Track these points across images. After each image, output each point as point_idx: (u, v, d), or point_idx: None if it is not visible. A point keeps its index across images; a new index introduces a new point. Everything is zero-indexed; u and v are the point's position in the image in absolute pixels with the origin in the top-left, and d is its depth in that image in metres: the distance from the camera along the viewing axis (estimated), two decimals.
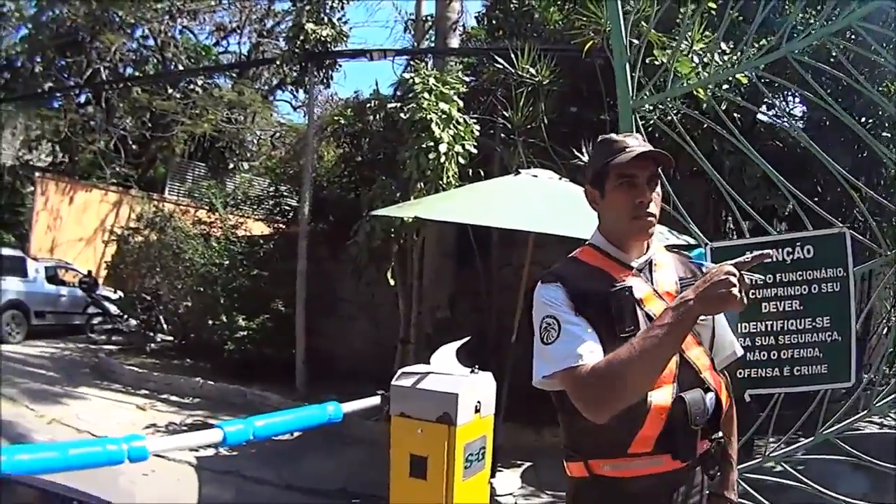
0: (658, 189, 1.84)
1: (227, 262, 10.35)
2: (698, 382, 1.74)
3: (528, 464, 6.40)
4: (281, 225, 12.24)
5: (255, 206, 12.83)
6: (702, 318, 1.67)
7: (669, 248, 1.99)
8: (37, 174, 18.57)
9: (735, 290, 1.51)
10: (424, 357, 3.24)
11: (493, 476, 4.81)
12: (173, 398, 9.10)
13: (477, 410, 2.96)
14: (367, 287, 9.00)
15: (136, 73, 19.20)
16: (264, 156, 19.11)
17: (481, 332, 7.05)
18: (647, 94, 3.63)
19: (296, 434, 7.21)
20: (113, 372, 10.42)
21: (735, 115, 5.33)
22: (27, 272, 14.00)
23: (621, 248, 1.83)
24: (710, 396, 1.74)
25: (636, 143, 1.81)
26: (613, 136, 1.90)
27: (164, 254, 11.40)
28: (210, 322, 9.75)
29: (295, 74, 10.42)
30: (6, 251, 14.75)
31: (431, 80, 7.40)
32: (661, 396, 1.68)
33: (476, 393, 2.95)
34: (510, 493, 5.80)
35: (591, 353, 1.64)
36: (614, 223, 1.84)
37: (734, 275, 1.53)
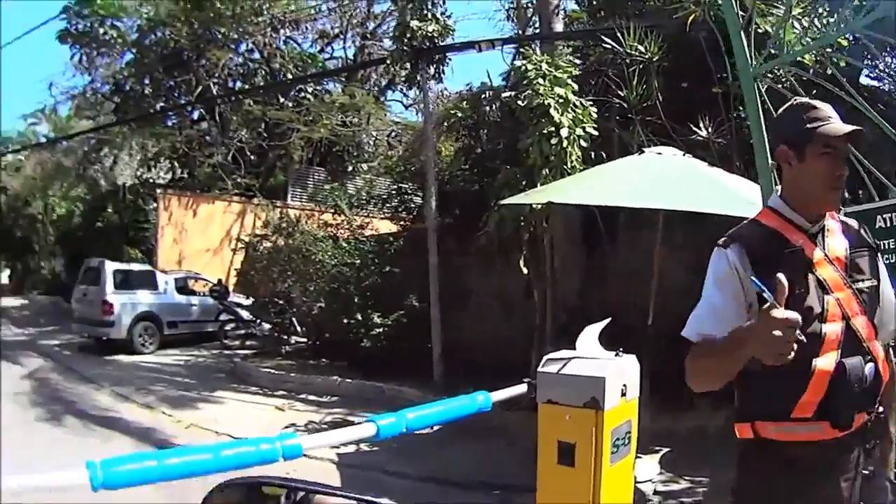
0: None
1: (359, 262, 10.31)
2: (861, 351, 1.79)
3: (665, 449, 6.16)
4: (406, 222, 12.11)
5: (379, 206, 12.78)
6: (866, 284, 1.86)
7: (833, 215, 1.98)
8: (158, 190, 19.25)
9: (788, 355, 1.52)
10: (560, 344, 3.12)
11: None
12: (311, 397, 9.06)
13: (623, 394, 2.83)
14: (498, 277, 8.89)
15: (246, 86, 19.61)
16: (381, 156, 19.21)
17: (614, 317, 6.72)
18: (763, 61, 3.64)
19: (435, 427, 7.20)
20: (249, 375, 10.51)
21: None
22: (157, 285, 14.50)
23: (802, 213, 1.88)
24: (869, 366, 1.78)
25: (835, 115, 1.87)
26: (811, 101, 1.95)
27: (294, 257, 11.46)
28: (345, 321, 9.68)
29: (406, 72, 10.33)
30: (135, 266, 15.43)
31: (544, 66, 7.36)
32: (825, 362, 1.75)
33: (622, 376, 2.83)
34: (649, 480, 5.65)
35: (704, 333, 1.86)
36: (808, 189, 1.87)
37: (793, 336, 1.51)
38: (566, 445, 2.77)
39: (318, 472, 5.79)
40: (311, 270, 10.91)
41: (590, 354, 2.95)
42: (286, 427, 7.48)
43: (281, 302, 11.96)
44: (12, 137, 36.87)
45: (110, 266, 13.97)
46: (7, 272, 53.43)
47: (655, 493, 5.47)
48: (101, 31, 17.89)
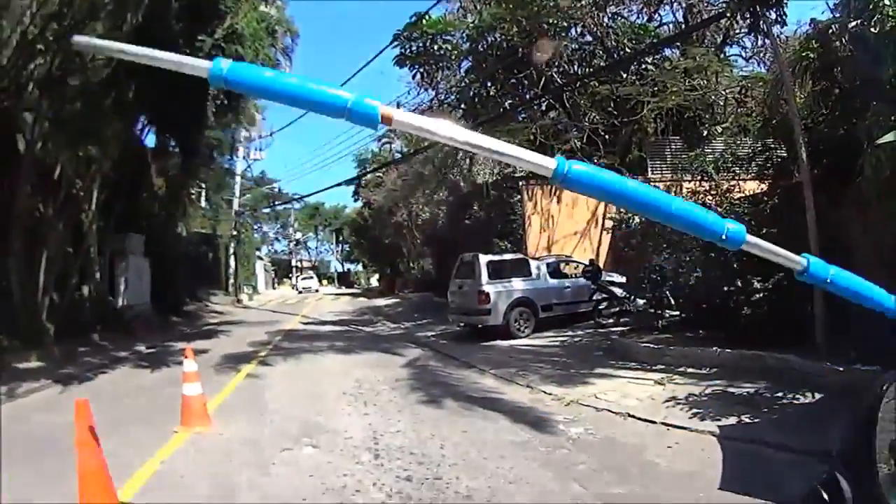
0: None
1: None
2: None
3: None
4: (774, 179, 11.23)
5: (745, 166, 12.13)
6: None
7: None
8: (521, 183, 20.24)
9: None
10: None
11: None
12: (690, 370, 8.86)
13: None
14: (878, 229, 7.78)
15: (587, 69, 19.70)
16: (732, 115, 18.14)
17: None
18: None
19: (817, 397, 6.83)
20: (627, 351, 10.57)
21: None
22: (530, 271, 15.17)
23: None
24: None
25: None
26: None
27: (667, 229, 11.03)
28: (725, 288, 9.29)
29: (747, 21, 9.68)
30: (508, 256, 16.25)
31: None
32: None
33: None
34: None
35: None
36: None
37: None
38: None
39: (700, 445, 5.83)
40: (686, 240, 10.67)
41: None
42: (666, 401, 7.45)
43: (655, 276, 11.86)
44: (369, 158, 41.48)
45: (484, 258, 14.88)
46: (376, 276, 61.97)
47: None
48: (435, 47, 19.37)
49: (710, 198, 11.22)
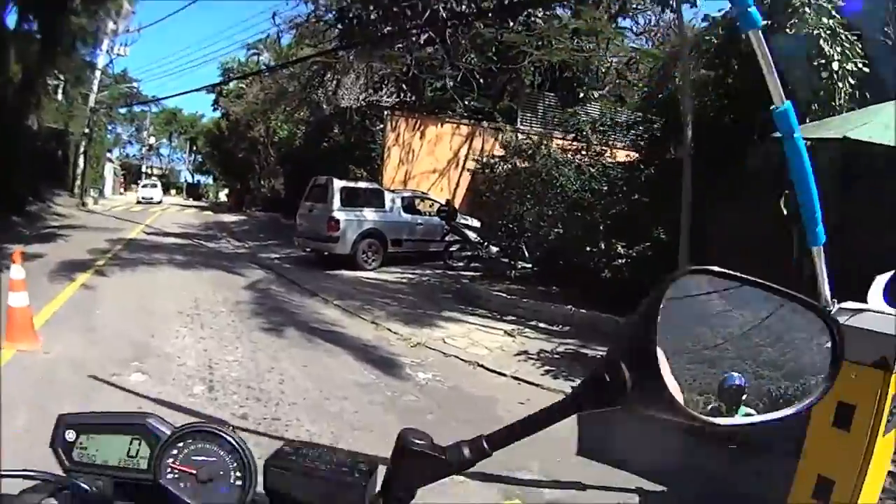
0: None
1: (606, 188, 9.66)
2: None
3: None
4: (648, 152, 11.31)
5: (623, 133, 12.05)
6: None
7: None
8: (385, 112, 19.52)
9: None
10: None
11: None
12: (542, 325, 8.67)
13: None
14: (749, 216, 7.96)
15: (475, 10, 18.90)
16: (611, 83, 18.29)
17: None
18: None
19: None
20: (478, 298, 10.28)
21: None
22: (384, 203, 14.57)
23: None
24: None
25: None
26: None
27: (533, 181, 11.03)
28: (588, 249, 9.14)
29: None
30: (363, 184, 15.53)
31: None
32: None
33: None
34: None
35: None
36: None
37: None
38: (845, 406, 2.60)
39: (547, 401, 5.55)
40: (550, 195, 10.46)
41: (881, 308, 2.66)
42: (517, 354, 7.23)
43: (512, 226, 11.63)
44: (234, 67, 39.66)
45: (338, 183, 14.18)
46: (226, 191, 59.20)
47: None
48: None
49: (581, 156, 11.08)
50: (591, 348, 7.48)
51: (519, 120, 18.99)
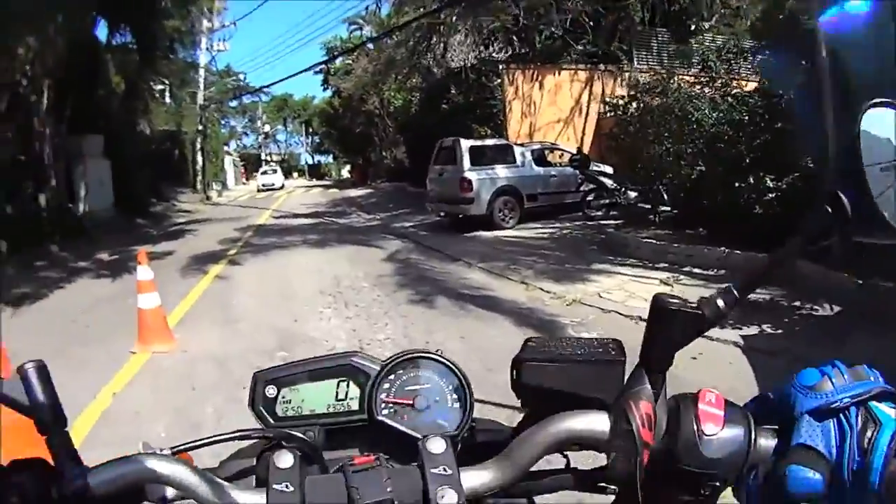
0: None
1: (747, 118, 8.91)
2: None
3: None
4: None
5: (748, 61, 11.21)
6: None
7: None
8: (500, 66, 19.18)
9: None
10: None
11: None
12: (696, 270, 8.23)
13: None
14: None
15: None
16: (717, 13, 17.13)
17: None
18: None
19: (835, 310, 6.25)
20: (625, 246, 9.95)
21: None
22: (515, 158, 14.32)
23: None
24: None
25: None
26: None
27: (668, 118, 10.40)
28: (735, 185, 8.49)
29: None
30: (490, 141, 15.33)
31: None
32: None
33: None
34: None
35: None
36: None
37: None
38: None
39: (725, 357, 5.23)
40: (687, 131, 9.86)
41: None
42: None
43: (650, 168, 11.11)
44: (337, 45, 39.71)
45: (466, 143, 14.02)
46: (348, 167, 59.83)
47: None
48: None
49: (709, 90, 10.42)
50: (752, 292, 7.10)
51: (635, 59, 18.24)
